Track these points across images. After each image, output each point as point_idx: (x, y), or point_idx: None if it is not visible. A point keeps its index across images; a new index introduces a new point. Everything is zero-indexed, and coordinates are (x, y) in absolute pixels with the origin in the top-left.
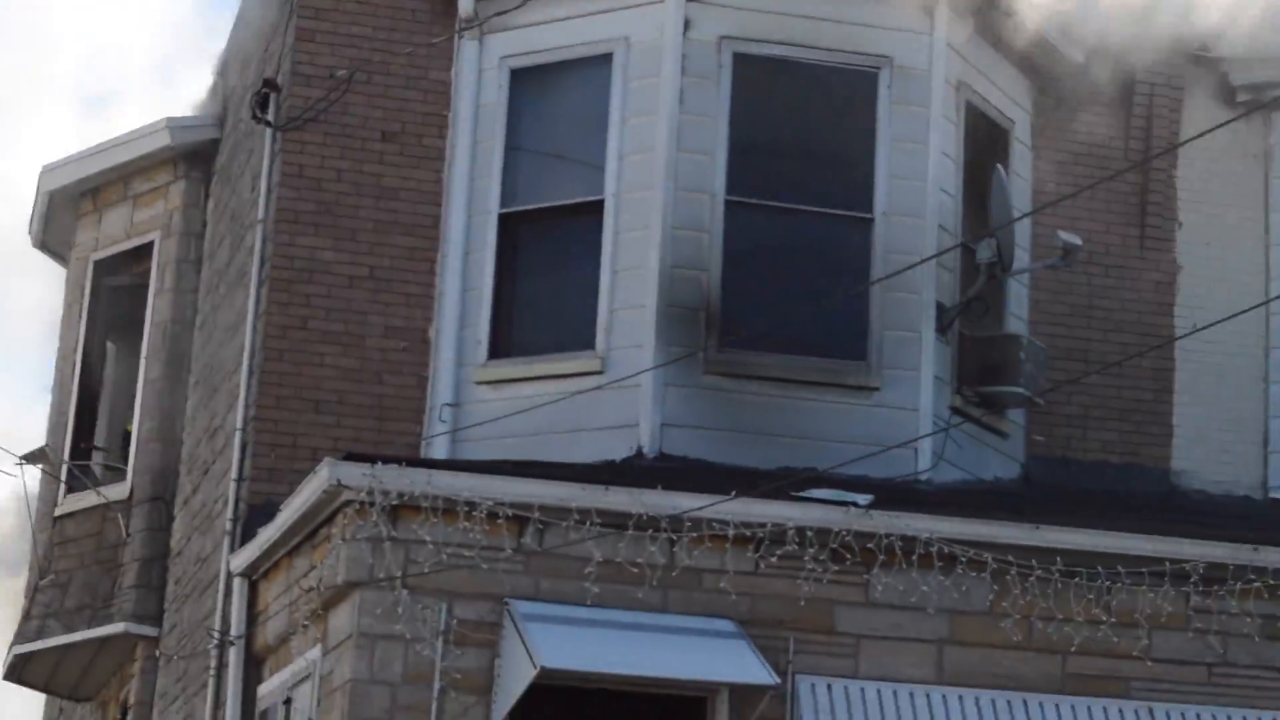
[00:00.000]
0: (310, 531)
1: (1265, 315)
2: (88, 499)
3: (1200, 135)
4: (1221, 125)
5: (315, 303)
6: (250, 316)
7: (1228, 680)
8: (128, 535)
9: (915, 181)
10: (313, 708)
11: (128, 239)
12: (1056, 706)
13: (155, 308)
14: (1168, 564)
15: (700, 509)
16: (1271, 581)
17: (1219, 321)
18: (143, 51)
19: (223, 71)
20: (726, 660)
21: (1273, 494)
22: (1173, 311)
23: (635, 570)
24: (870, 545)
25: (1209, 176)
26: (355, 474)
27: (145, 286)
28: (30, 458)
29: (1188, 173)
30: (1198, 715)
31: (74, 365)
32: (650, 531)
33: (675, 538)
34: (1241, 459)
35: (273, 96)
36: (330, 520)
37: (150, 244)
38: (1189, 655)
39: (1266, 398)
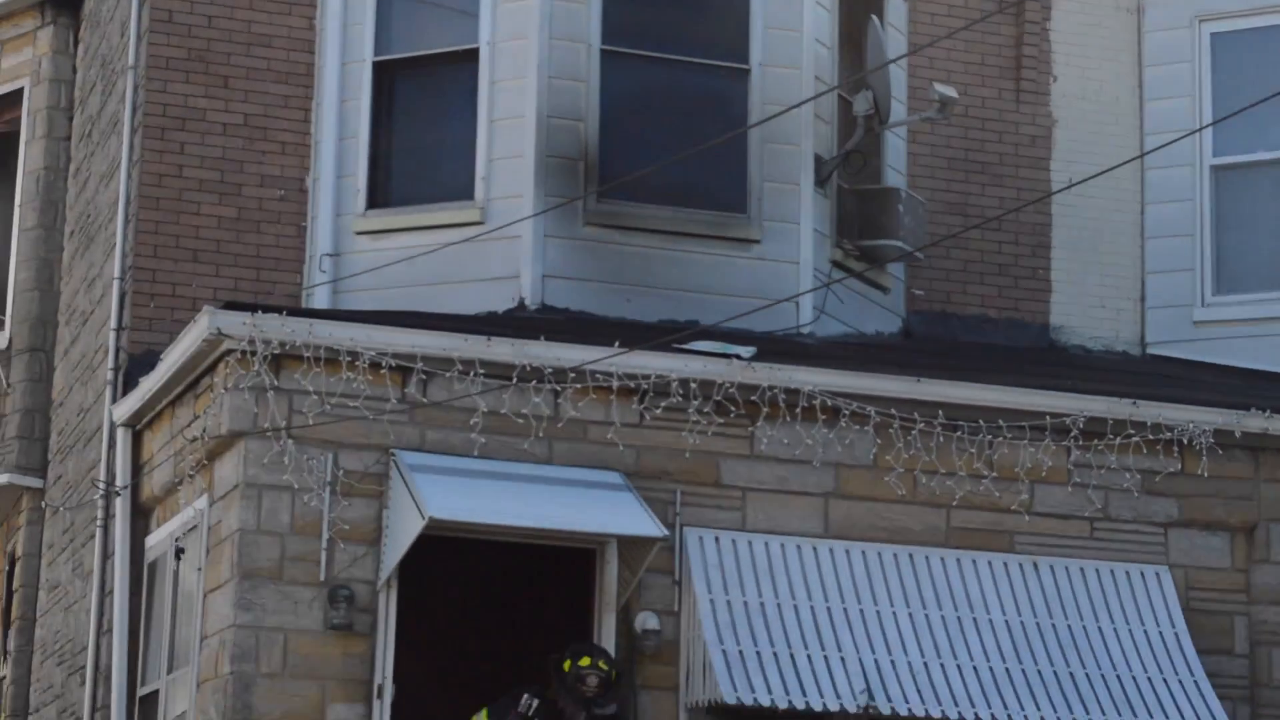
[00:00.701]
0: (192, 381)
1: (1140, 171)
2: None
3: None
4: None
5: (190, 151)
6: (125, 164)
7: (1109, 534)
8: (8, 386)
9: (791, 32)
10: (201, 557)
11: None
12: (942, 560)
13: (27, 156)
14: (1048, 418)
15: (585, 361)
16: (1150, 436)
17: (1094, 176)
18: None
19: None
20: (615, 512)
21: (1150, 349)
22: (1049, 166)
23: (520, 421)
24: (754, 398)
25: (1083, 31)
26: (235, 323)
27: (17, 134)
28: None
29: (1062, 26)
30: (1081, 569)
31: None
32: (534, 383)
33: (559, 390)
34: (1119, 315)
35: None
36: (212, 370)
37: (20, 91)
38: (1070, 509)
39: (1143, 254)
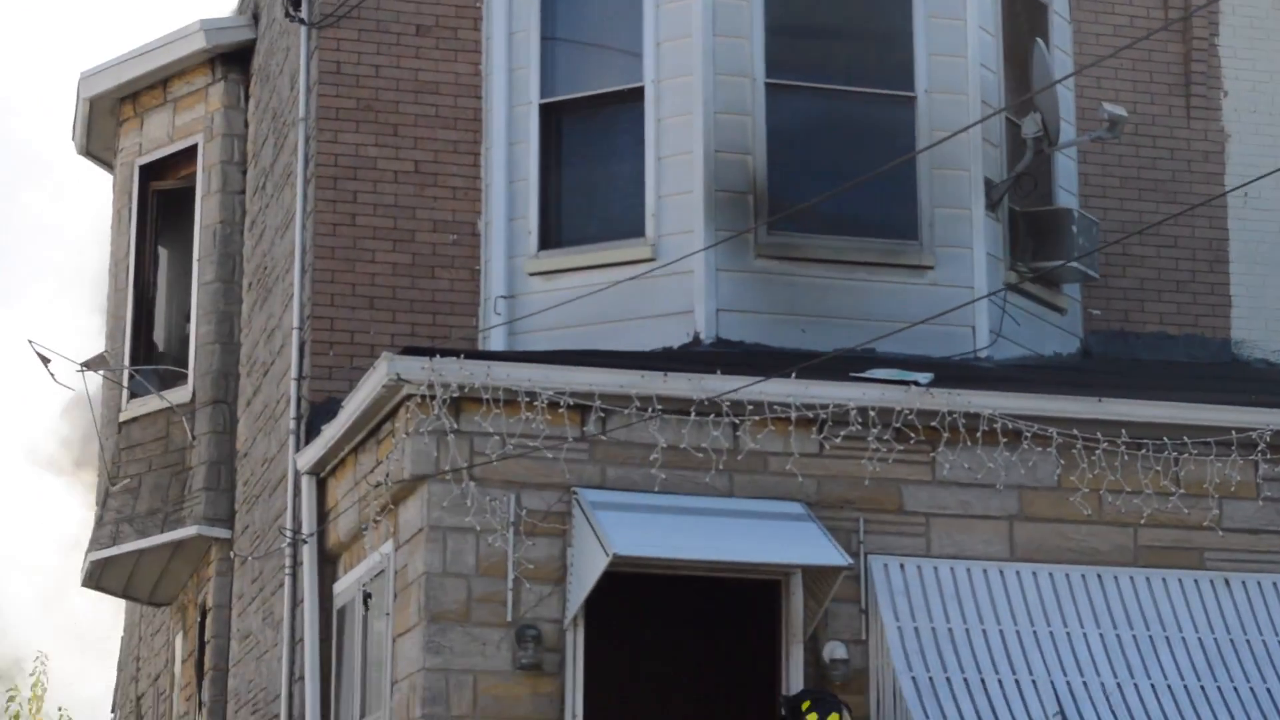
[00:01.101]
0: (374, 427)
1: None
2: (151, 403)
3: None
4: None
5: (362, 199)
6: (299, 215)
7: None
8: (193, 438)
9: (955, 58)
10: (389, 602)
11: (171, 143)
12: (1131, 579)
13: (203, 210)
14: (1234, 433)
15: (761, 392)
16: None
17: (1262, 176)
18: None
19: None
20: (798, 542)
21: None
22: (1223, 181)
23: (700, 455)
24: (934, 424)
25: (1252, 44)
26: (415, 368)
27: (192, 190)
28: (90, 364)
29: (1230, 40)
30: (1274, 584)
31: (127, 270)
32: (713, 416)
33: (738, 421)
34: None
35: None
36: (393, 415)
37: (194, 147)
38: (1261, 524)
39: None
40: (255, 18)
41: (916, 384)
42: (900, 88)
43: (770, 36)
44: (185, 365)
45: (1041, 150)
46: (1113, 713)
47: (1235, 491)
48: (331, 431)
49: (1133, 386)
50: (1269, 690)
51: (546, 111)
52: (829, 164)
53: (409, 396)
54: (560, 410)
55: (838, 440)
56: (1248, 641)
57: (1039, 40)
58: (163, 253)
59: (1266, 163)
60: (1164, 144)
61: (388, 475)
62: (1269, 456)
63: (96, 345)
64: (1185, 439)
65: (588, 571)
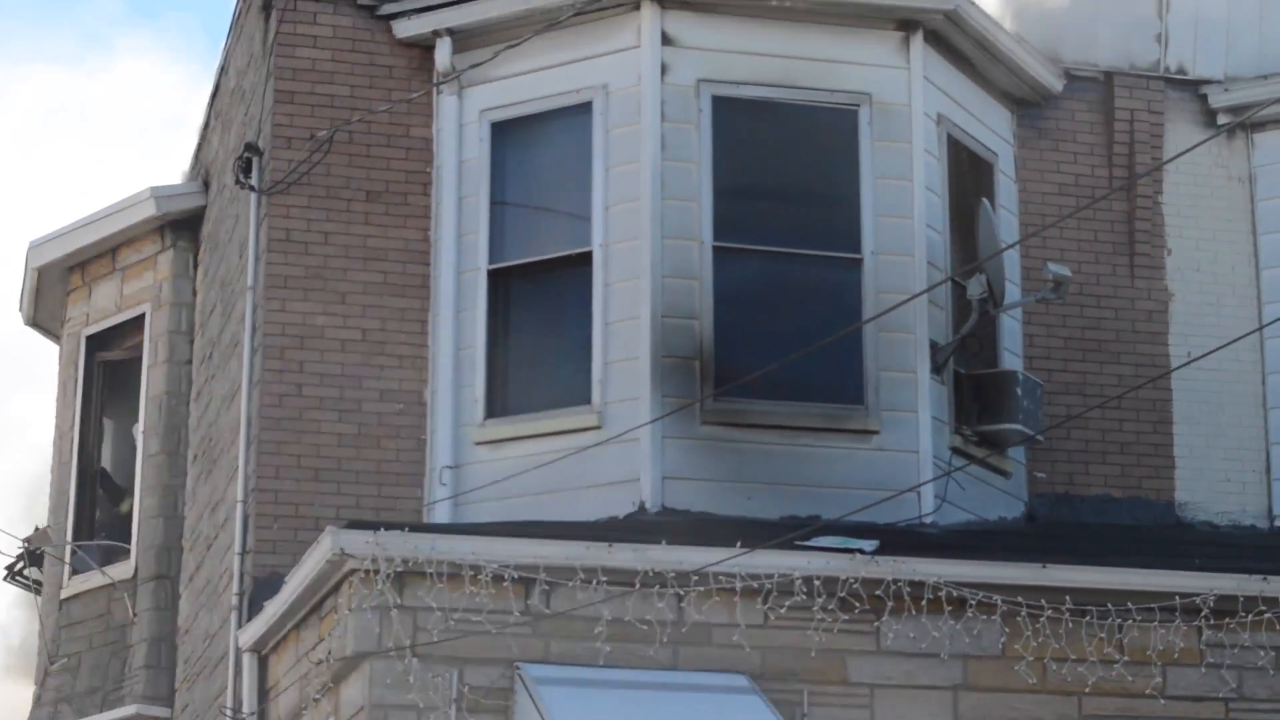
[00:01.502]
0: (317, 602)
1: (1260, 341)
2: (93, 580)
3: (1176, 157)
4: (1197, 145)
5: (309, 369)
6: (245, 385)
7: (1245, 714)
8: (134, 615)
9: (902, 219)
10: None
11: (118, 312)
12: None
13: (150, 381)
14: (1178, 598)
15: (709, 565)
16: None
17: (1214, 351)
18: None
19: (204, 136)
20: (742, 716)
21: (1278, 522)
22: (1167, 340)
23: (644, 628)
24: (879, 592)
25: (1195, 202)
26: (359, 542)
27: (139, 360)
28: (32, 539)
29: (1174, 199)
30: None
31: (72, 443)
32: (657, 588)
33: (683, 593)
34: (1245, 488)
35: (255, 161)
36: (336, 590)
37: (141, 316)
38: (1204, 691)
39: (1266, 424)
40: (206, 184)
41: (862, 552)
42: (847, 249)
43: (719, 199)
44: (128, 540)
45: (987, 312)
46: None
47: (1179, 658)
48: (274, 607)
49: (1077, 552)
50: None
51: (495, 277)
52: (776, 327)
53: (352, 571)
54: (505, 584)
55: (783, 610)
56: None
57: (984, 200)
58: (108, 424)
59: (1209, 322)
60: (1108, 304)
61: (330, 652)
62: (1212, 622)
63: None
64: (1129, 605)
65: None
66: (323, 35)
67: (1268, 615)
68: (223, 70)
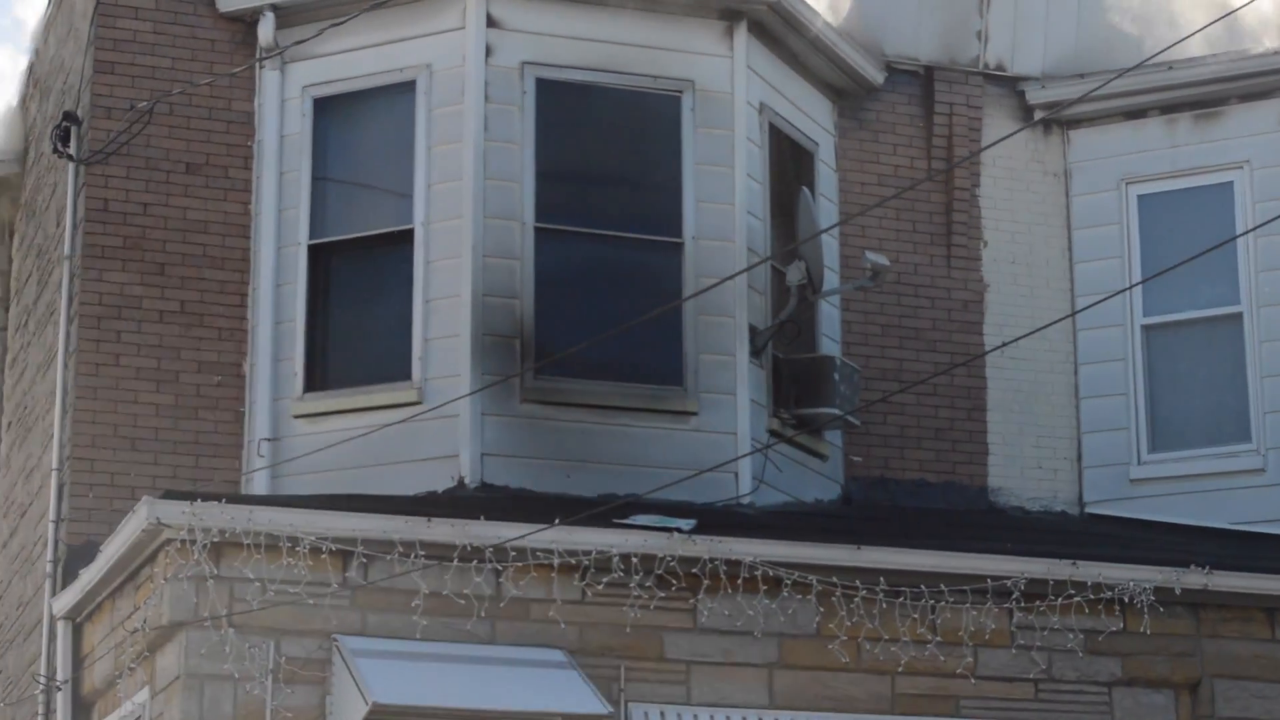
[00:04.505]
0: (132, 572)
1: (1073, 331)
2: None
3: (991, 145)
4: (1011, 135)
5: (126, 339)
6: (61, 354)
7: (1053, 695)
8: None
9: (723, 205)
10: None
11: None
12: None
13: None
14: (989, 581)
15: (523, 537)
16: (1091, 596)
17: (1024, 336)
18: None
19: (22, 104)
20: (559, 690)
21: (1088, 509)
22: (982, 329)
23: (462, 602)
24: (695, 570)
25: (1011, 196)
26: (175, 512)
27: None
28: None
29: (991, 192)
30: None
31: None
32: (475, 562)
33: (500, 568)
34: (1057, 475)
35: (74, 130)
36: (152, 560)
37: None
38: (1015, 672)
39: (1078, 414)
40: (23, 152)
41: (679, 531)
42: (668, 234)
43: (541, 181)
44: None
45: (805, 298)
46: None
47: (990, 640)
48: (89, 576)
49: (891, 534)
50: None
51: (315, 252)
52: (596, 309)
53: (169, 541)
54: (323, 555)
55: (600, 587)
56: None
57: (804, 188)
58: None
59: (1023, 312)
60: (925, 293)
61: (145, 621)
62: (1023, 605)
63: None
64: (942, 586)
65: None
66: (144, 6)
67: (1076, 599)
68: (43, 39)
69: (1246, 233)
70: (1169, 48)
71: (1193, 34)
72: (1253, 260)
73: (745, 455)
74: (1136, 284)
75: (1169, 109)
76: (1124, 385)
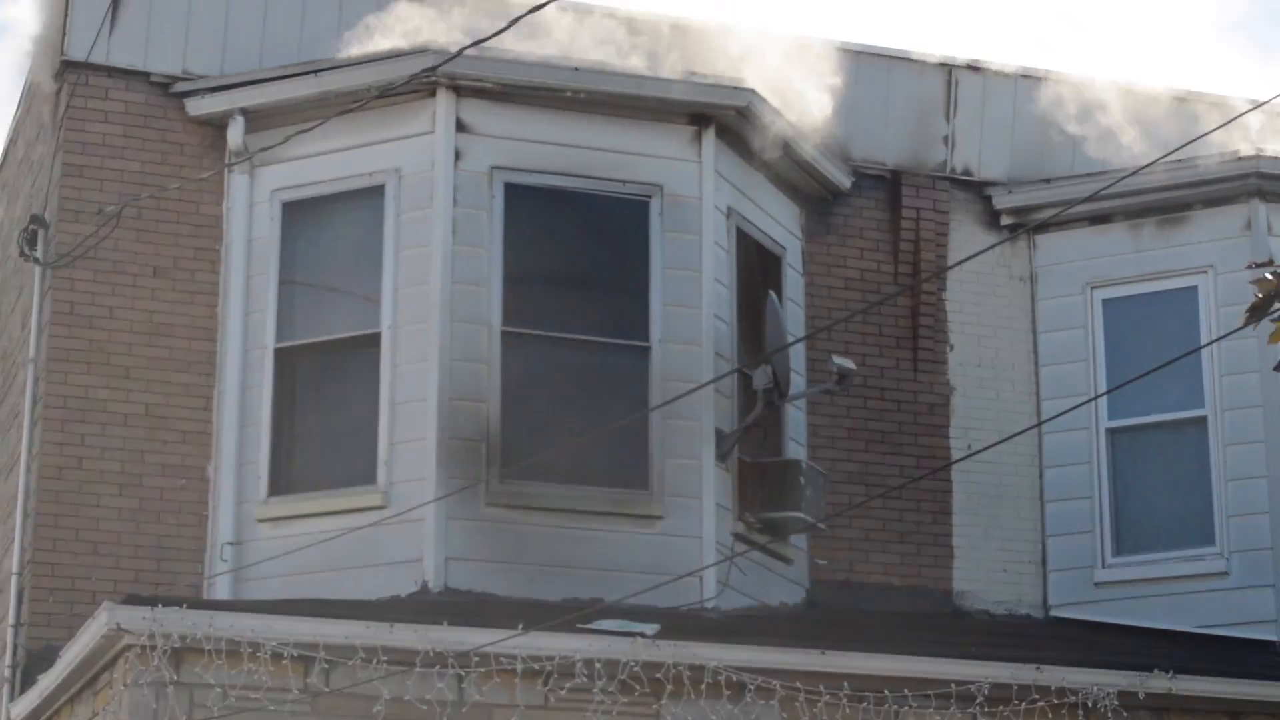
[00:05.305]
0: (92, 677)
1: (1039, 435)
2: None
3: (964, 261)
4: (984, 251)
5: (90, 442)
6: (24, 457)
7: None
8: None
9: (690, 309)
10: None
11: None
12: None
13: None
14: (953, 685)
15: (488, 645)
16: (1055, 700)
17: (993, 445)
18: None
19: None
20: None
21: (1053, 612)
22: (948, 433)
23: (425, 708)
24: (659, 675)
25: (978, 300)
26: (135, 617)
27: None
28: None
29: (958, 296)
30: None
31: None
32: (438, 668)
33: (463, 674)
34: (1021, 578)
35: (41, 233)
36: (112, 665)
37: None
38: None
39: (1043, 517)
40: None
41: (643, 635)
42: (636, 338)
43: (509, 285)
44: None
45: (772, 402)
46: None
47: None
48: (48, 681)
49: (856, 638)
50: None
51: (282, 356)
52: (563, 412)
53: (129, 646)
54: (284, 661)
55: (563, 692)
56: None
57: (772, 293)
58: None
59: (989, 415)
60: (892, 396)
61: None
62: (987, 709)
63: None
64: (906, 691)
65: None
66: (114, 110)
67: (1040, 703)
68: (11, 140)
69: (1212, 342)
70: (1144, 167)
71: (1164, 157)
72: (1217, 364)
73: (712, 565)
74: (1104, 393)
75: (1134, 214)
76: (1089, 488)
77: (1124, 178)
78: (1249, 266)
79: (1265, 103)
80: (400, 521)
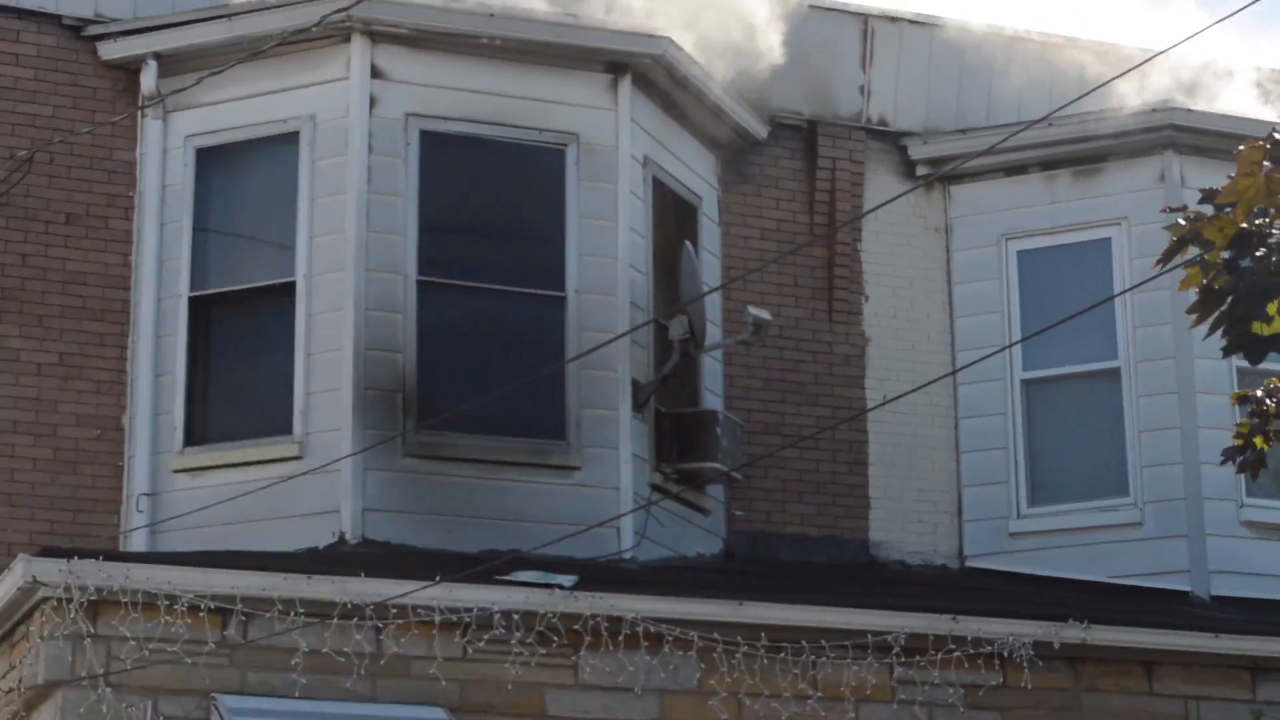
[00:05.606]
0: (8, 630)
1: (953, 386)
2: None
3: (876, 208)
4: (896, 198)
5: (3, 392)
6: None
7: None
8: None
9: (606, 259)
10: None
11: None
12: None
13: None
14: (870, 636)
15: (405, 595)
16: (971, 651)
17: (906, 394)
18: None
19: None
20: None
21: (968, 562)
22: (863, 384)
23: (342, 660)
24: (577, 627)
25: (893, 251)
26: (51, 570)
27: None
28: None
29: (873, 247)
30: None
31: None
32: (355, 620)
33: (381, 625)
34: (937, 529)
35: None
36: (27, 618)
37: None
38: None
39: (959, 468)
40: None
41: (561, 587)
42: (551, 288)
43: (424, 234)
44: None
45: (688, 353)
46: None
47: (871, 694)
48: None
49: (773, 589)
50: None
51: (196, 305)
52: (479, 362)
53: (45, 599)
54: (201, 613)
55: (481, 644)
56: None
57: (687, 243)
58: None
59: (904, 366)
60: (807, 347)
61: (20, 681)
62: (903, 660)
63: None
64: (823, 642)
65: None
66: (25, 54)
67: (957, 653)
68: None
69: (1125, 291)
70: (1055, 111)
71: (1078, 98)
72: (1130, 316)
73: (628, 513)
74: (1016, 342)
75: (1049, 165)
76: (1004, 439)
77: (1032, 125)
78: (1163, 210)
79: (1164, 51)
80: (317, 473)
